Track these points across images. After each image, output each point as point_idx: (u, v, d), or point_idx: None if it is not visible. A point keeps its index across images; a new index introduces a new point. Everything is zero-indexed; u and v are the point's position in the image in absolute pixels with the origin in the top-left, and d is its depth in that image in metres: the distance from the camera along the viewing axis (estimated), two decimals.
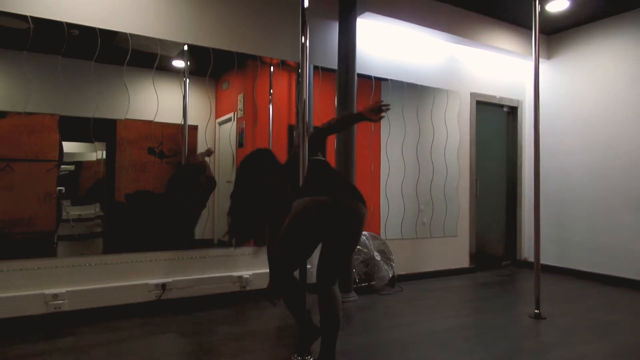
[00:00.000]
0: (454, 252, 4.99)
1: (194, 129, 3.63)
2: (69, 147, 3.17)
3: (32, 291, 2.94)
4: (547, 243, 5.16)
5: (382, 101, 2.29)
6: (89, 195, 3.30)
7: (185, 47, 3.52)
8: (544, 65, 5.28)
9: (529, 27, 4.60)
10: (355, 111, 3.84)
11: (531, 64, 4.99)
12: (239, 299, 3.64)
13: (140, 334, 2.86)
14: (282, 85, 3.99)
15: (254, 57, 3.81)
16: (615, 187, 4.62)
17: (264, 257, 3.74)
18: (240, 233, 2.66)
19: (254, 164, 2.50)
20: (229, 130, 3.81)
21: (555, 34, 5.25)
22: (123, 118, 3.33)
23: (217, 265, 3.63)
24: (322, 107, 4.12)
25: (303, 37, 2.50)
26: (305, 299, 2.36)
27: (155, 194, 3.48)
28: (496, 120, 5.52)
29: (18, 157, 2.96)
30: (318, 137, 2.49)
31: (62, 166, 3.13)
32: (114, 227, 3.36)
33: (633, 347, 2.78)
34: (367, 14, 4.03)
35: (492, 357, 2.57)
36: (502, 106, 5.52)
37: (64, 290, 3.01)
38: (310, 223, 2.17)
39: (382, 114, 2.31)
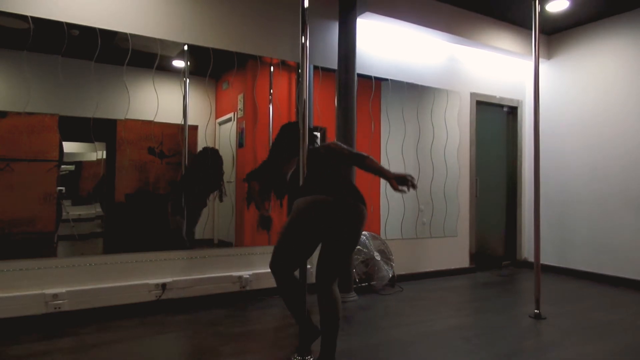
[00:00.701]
0: (454, 252, 4.99)
1: (194, 129, 3.63)
2: (69, 147, 3.17)
3: (32, 291, 2.93)
4: (547, 243, 5.16)
5: (413, 178, 2.12)
6: (89, 195, 3.30)
7: (185, 47, 3.52)
8: (544, 65, 5.28)
9: (529, 27, 4.60)
10: (354, 112, 3.84)
11: (531, 64, 4.99)
12: (239, 299, 3.64)
13: (140, 334, 2.86)
14: (282, 85, 3.99)
15: (254, 57, 3.82)
16: (616, 187, 4.62)
17: (261, 257, 3.75)
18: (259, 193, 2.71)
19: (293, 130, 2.59)
20: (229, 130, 3.81)
21: (555, 34, 5.25)
22: (123, 118, 3.33)
23: (217, 265, 3.63)
24: (322, 107, 4.12)
25: (303, 37, 2.50)
26: (305, 299, 2.36)
27: (156, 194, 3.48)
28: (496, 120, 5.52)
29: (18, 157, 2.97)
30: (351, 160, 2.37)
31: (62, 166, 3.13)
32: (114, 227, 3.36)
33: (633, 347, 2.78)
34: (367, 14, 4.03)
35: (492, 357, 2.57)
36: (502, 106, 5.52)
37: (64, 290, 3.01)
38: (311, 222, 2.18)
39: (404, 188, 2.12)
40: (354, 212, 2.19)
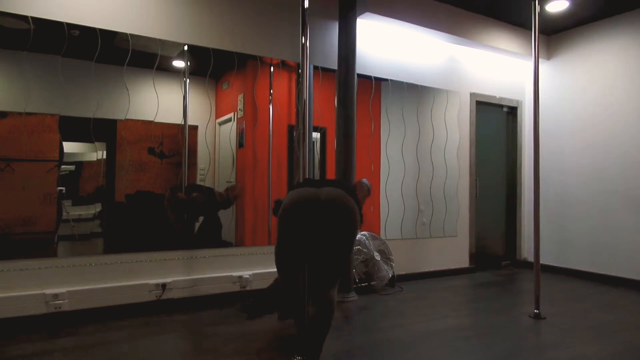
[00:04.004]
0: (454, 252, 4.99)
1: (194, 129, 3.63)
2: (69, 147, 3.17)
3: (32, 291, 2.94)
4: (547, 243, 5.16)
5: None
6: (90, 195, 3.30)
7: (186, 48, 3.52)
8: (543, 66, 5.29)
9: (528, 28, 4.60)
10: (354, 112, 3.84)
11: (531, 64, 4.99)
12: (239, 299, 3.64)
13: (140, 334, 2.86)
14: (282, 85, 3.99)
15: (254, 57, 3.82)
16: (615, 187, 4.62)
17: (261, 257, 3.75)
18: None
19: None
20: (229, 131, 3.81)
21: (555, 34, 5.25)
22: (123, 118, 3.33)
23: (217, 265, 3.63)
24: (322, 107, 4.12)
25: (303, 37, 2.50)
26: (305, 302, 2.36)
27: (156, 194, 3.48)
28: (496, 120, 5.52)
29: (18, 157, 2.97)
30: None
31: (62, 166, 3.13)
32: (114, 227, 3.36)
33: (633, 347, 2.78)
34: (367, 14, 4.03)
35: (492, 357, 2.57)
36: (502, 106, 5.52)
37: (64, 290, 3.01)
38: (295, 216, 2.19)
39: None
40: (338, 205, 2.14)
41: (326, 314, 2.19)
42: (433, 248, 4.82)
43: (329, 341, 2.52)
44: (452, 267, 4.95)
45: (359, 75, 4.07)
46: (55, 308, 2.97)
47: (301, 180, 2.39)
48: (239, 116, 3.83)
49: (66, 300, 3.00)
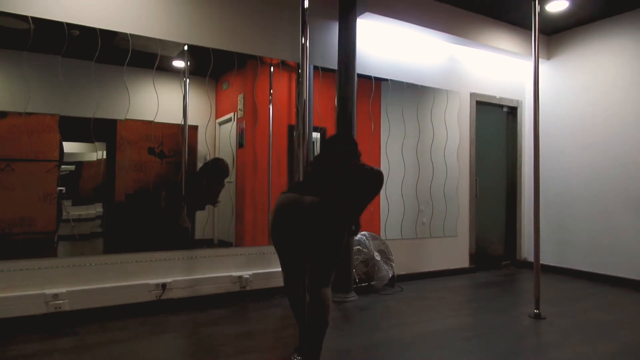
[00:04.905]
0: (454, 252, 4.99)
1: (194, 129, 3.63)
2: (69, 147, 3.17)
3: (32, 291, 2.94)
4: (547, 243, 5.16)
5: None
6: (90, 195, 3.30)
7: (186, 48, 3.52)
8: (543, 66, 5.28)
9: (528, 28, 4.59)
10: (354, 112, 3.84)
11: (531, 64, 4.98)
12: (239, 299, 3.64)
13: (140, 334, 2.86)
14: (282, 85, 3.99)
15: (254, 57, 3.82)
16: (615, 187, 4.62)
17: (261, 257, 3.75)
18: None
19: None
20: (229, 131, 3.81)
21: (555, 34, 5.25)
22: (123, 118, 3.33)
23: (217, 265, 3.63)
24: (322, 107, 4.12)
25: (303, 37, 2.50)
26: (305, 300, 2.36)
27: (156, 194, 3.48)
28: (496, 120, 5.52)
29: (18, 157, 2.97)
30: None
31: (62, 166, 3.13)
32: (114, 227, 3.36)
33: (633, 347, 2.78)
34: (367, 14, 4.03)
35: (492, 357, 2.57)
36: (502, 106, 5.52)
37: (64, 290, 3.01)
38: (279, 220, 2.23)
39: None
40: (318, 210, 2.16)
41: (321, 313, 2.22)
42: (433, 248, 4.82)
43: (329, 341, 2.52)
44: (452, 267, 4.95)
45: (359, 75, 4.06)
46: (55, 308, 2.97)
47: (301, 179, 2.39)
48: (239, 116, 3.83)
49: (66, 300, 3.00)
